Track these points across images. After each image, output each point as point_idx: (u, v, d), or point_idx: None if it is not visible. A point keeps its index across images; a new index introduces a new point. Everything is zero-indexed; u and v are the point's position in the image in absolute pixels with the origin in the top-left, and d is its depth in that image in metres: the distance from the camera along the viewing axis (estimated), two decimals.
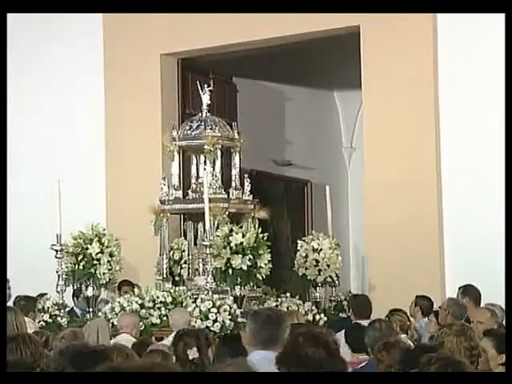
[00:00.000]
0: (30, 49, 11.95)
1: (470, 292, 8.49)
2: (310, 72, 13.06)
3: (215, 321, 7.61)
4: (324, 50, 12.19)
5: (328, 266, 8.88)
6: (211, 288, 7.94)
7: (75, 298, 9.51)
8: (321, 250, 8.90)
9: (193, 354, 5.28)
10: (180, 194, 8.96)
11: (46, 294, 8.96)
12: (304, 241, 9.14)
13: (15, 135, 11.78)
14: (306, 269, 8.92)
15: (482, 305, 8.28)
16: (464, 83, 9.76)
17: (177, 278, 8.91)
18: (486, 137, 9.61)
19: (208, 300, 7.76)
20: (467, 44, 9.74)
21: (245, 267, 7.91)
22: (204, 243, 7.99)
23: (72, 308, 9.29)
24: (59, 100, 11.84)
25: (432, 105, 9.86)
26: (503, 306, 8.03)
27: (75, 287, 8.73)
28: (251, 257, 7.92)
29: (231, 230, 8.02)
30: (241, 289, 7.99)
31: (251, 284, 8.07)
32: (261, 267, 7.98)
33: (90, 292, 8.37)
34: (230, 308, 7.77)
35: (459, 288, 8.65)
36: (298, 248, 9.11)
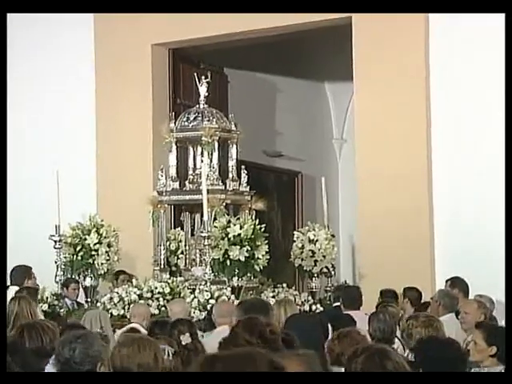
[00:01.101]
0: (23, 40, 11.90)
1: (458, 284, 8.55)
2: (302, 63, 13.09)
3: None
4: (315, 41, 12.21)
5: (324, 256, 8.96)
6: (209, 279, 7.99)
7: (64, 288, 9.52)
8: (317, 240, 8.97)
9: (185, 339, 5.44)
10: (177, 185, 8.99)
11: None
12: (300, 232, 9.21)
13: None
14: (303, 259, 8.99)
15: (471, 296, 8.36)
16: (456, 75, 9.81)
17: (173, 269, 8.95)
18: (476, 127, 9.66)
19: (206, 291, 7.81)
20: (459, 36, 9.78)
21: (242, 258, 7.98)
22: (202, 234, 8.03)
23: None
24: (49, 91, 11.82)
25: (423, 96, 9.91)
26: (493, 298, 8.12)
27: (64, 278, 8.73)
28: (249, 248, 7.99)
29: (229, 222, 8.07)
30: (238, 280, 8.06)
31: (248, 275, 8.12)
32: (258, 258, 8.06)
33: (88, 282, 8.41)
34: (228, 299, 7.82)
35: (447, 281, 8.72)
36: (294, 239, 9.17)
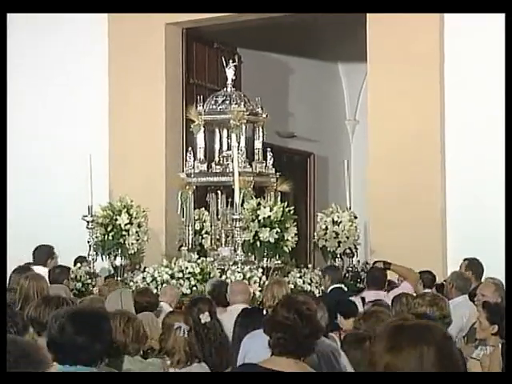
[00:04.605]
0: (36, 19, 11.89)
1: (474, 266, 8.59)
2: (315, 44, 13.12)
3: None
4: (329, 22, 12.22)
5: (347, 237, 9.13)
6: (240, 260, 8.16)
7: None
8: (340, 222, 9.13)
9: (205, 318, 5.63)
10: (205, 167, 9.12)
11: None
12: (324, 213, 9.36)
13: (17, 108, 11.81)
14: (326, 240, 9.16)
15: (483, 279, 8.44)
16: (469, 56, 9.83)
17: (197, 248, 9.07)
18: (491, 106, 9.64)
19: (238, 272, 7.97)
20: (474, 18, 9.82)
21: (272, 240, 8.14)
22: (234, 217, 8.17)
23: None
24: (63, 71, 11.84)
25: (437, 77, 9.93)
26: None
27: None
28: (278, 230, 8.14)
29: (259, 204, 8.21)
30: (267, 261, 8.23)
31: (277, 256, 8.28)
32: (287, 240, 8.22)
33: (118, 262, 8.55)
34: (260, 280, 8.00)
35: (465, 259, 8.81)
36: (318, 220, 9.32)
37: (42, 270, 7.73)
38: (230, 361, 5.53)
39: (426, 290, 8.51)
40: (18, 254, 9.01)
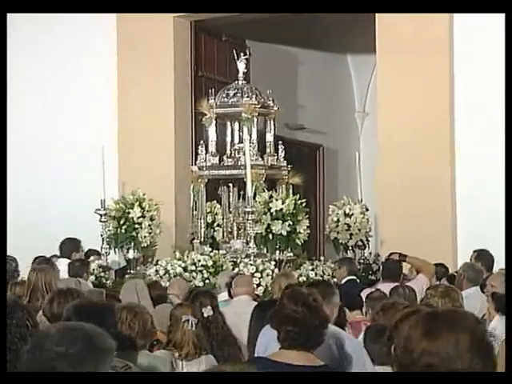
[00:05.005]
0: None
1: (483, 257, 8.60)
2: (324, 36, 13.12)
3: (258, 285, 7.86)
4: (337, 14, 12.19)
5: (359, 230, 9.15)
6: (253, 253, 8.18)
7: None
8: (352, 214, 9.15)
9: (207, 311, 5.65)
10: (217, 160, 9.15)
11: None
12: (336, 205, 9.38)
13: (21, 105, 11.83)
14: (338, 233, 9.18)
15: (496, 270, 8.44)
16: (479, 47, 9.81)
17: (209, 241, 9.11)
18: (502, 98, 9.65)
19: (251, 265, 8.00)
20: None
21: (284, 233, 8.16)
22: (247, 209, 8.20)
23: None
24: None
25: (447, 69, 9.92)
26: None
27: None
28: (291, 222, 8.16)
29: (271, 197, 8.24)
30: (279, 253, 8.25)
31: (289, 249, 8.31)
32: (299, 233, 8.24)
33: (130, 255, 8.59)
34: (272, 272, 8.02)
35: (474, 251, 8.82)
36: (330, 212, 9.34)
37: (65, 263, 7.82)
38: (232, 354, 5.56)
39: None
40: (19, 252, 9.02)
